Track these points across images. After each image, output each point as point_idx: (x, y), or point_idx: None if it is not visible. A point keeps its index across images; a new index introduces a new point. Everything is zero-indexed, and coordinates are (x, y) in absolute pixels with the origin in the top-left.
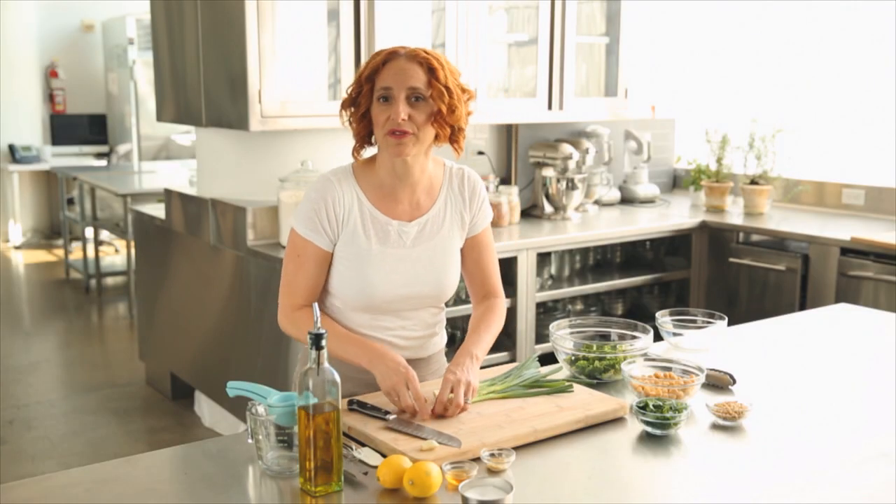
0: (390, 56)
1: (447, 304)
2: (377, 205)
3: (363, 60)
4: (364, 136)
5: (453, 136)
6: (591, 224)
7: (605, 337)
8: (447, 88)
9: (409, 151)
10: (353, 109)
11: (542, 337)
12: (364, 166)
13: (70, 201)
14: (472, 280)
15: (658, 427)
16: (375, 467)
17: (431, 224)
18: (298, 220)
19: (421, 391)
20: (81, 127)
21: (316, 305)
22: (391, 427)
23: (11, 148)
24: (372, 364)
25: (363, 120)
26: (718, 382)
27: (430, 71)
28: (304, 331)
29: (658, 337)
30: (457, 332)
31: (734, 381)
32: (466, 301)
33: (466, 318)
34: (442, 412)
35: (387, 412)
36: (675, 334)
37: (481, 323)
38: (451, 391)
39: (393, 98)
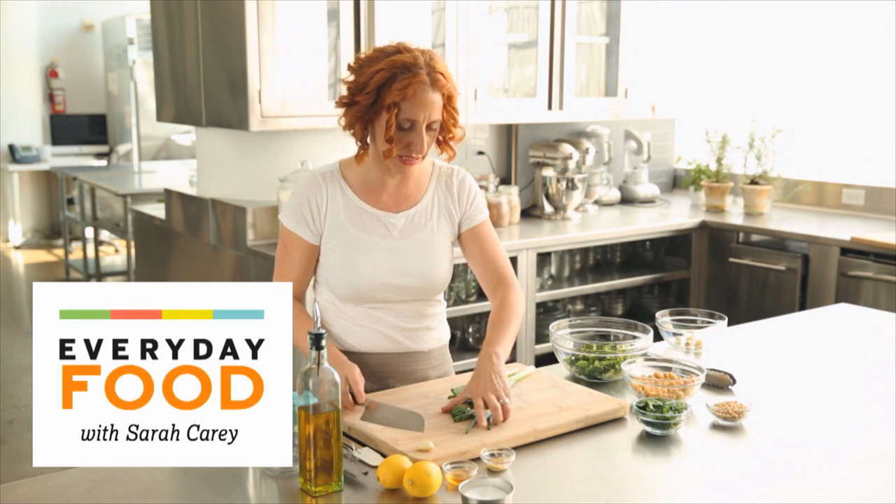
0: (415, 80)
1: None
2: (363, 197)
3: None
4: (365, 139)
5: (448, 144)
6: (591, 224)
7: (605, 337)
8: (456, 109)
9: (416, 169)
10: (353, 109)
11: (542, 337)
12: (351, 162)
13: (70, 201)
14: (480, 271)
15: (658, 427)
16: (375, 467)
17: (419, 217)
18: (285, 214)
19: (362, 388)
20: (81, 127)
21: (317, 305)
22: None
23: (11, 148)
24: None
25: (360, 122)
26: (718, 382)
27: (447, 98)
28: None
29: (658, 337)
30: (456, 332)
31: (734, 381)
32: (467, 301)
33: (467, 318)
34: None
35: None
36: (675, 334)
37: (496, 319)
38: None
39: (415, 128)
